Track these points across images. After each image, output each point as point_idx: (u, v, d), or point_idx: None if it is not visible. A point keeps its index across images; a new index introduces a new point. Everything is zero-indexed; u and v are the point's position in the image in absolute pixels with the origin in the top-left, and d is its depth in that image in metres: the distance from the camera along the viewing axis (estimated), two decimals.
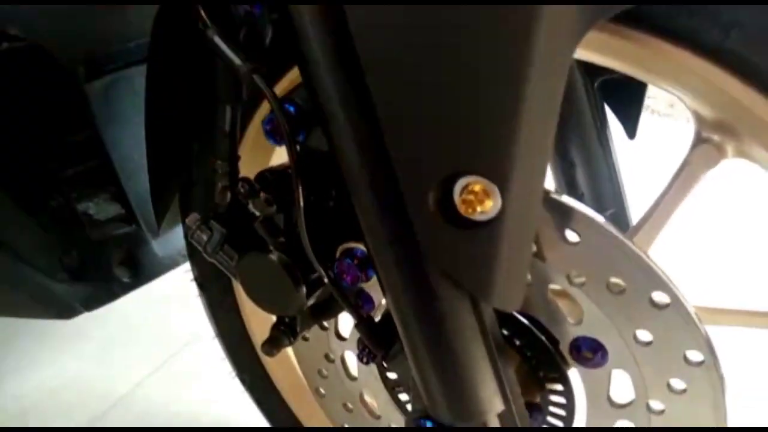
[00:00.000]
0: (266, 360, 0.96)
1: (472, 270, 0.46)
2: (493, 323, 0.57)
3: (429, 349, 0.55)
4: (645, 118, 0.86)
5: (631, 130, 0.88)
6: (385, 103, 0.43)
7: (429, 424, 0.63)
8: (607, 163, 0.91)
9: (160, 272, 1.10)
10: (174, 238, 1.11)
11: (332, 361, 0.81)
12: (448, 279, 0.50)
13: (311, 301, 0.64)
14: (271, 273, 0.63)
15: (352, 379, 0.81)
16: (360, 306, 0.65)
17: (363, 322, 0.64)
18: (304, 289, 0.63)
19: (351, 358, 0.80)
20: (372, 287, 0.67)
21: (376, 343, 0.65)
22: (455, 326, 0.54)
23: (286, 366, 0.96)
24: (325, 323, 0.78)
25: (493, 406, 0.58)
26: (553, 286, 0.59)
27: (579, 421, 0.66)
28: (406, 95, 0.42)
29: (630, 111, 0.87)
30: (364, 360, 0.66)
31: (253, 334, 0.96)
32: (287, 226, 0.63)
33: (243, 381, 1.01)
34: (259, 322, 0.96)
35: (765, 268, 1.69)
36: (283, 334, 0.68)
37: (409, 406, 0.77)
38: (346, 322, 0.80)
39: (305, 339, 0.82)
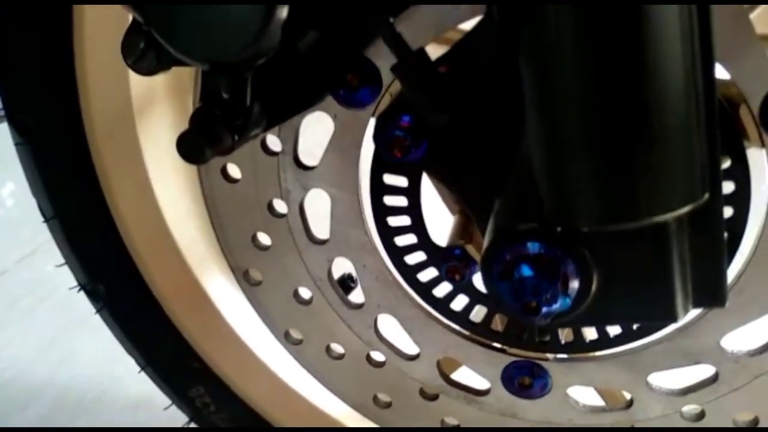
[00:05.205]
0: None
1: None
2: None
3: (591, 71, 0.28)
4: None
5: None
6: None
7: (535, 248, 0.34)
8: None
9: None
10: None
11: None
12: None
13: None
14: None
15: None
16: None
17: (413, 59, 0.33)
18: None
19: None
20: None
21: (436, 99, 0.35)
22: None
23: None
24: (278, 140, 0.45)
25: (689, 193, 0.31)
26: None
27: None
28: None
29: None
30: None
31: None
32: None
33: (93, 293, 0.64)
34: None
35: None
36: (214, 126, 0.34)
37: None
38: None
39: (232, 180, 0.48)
